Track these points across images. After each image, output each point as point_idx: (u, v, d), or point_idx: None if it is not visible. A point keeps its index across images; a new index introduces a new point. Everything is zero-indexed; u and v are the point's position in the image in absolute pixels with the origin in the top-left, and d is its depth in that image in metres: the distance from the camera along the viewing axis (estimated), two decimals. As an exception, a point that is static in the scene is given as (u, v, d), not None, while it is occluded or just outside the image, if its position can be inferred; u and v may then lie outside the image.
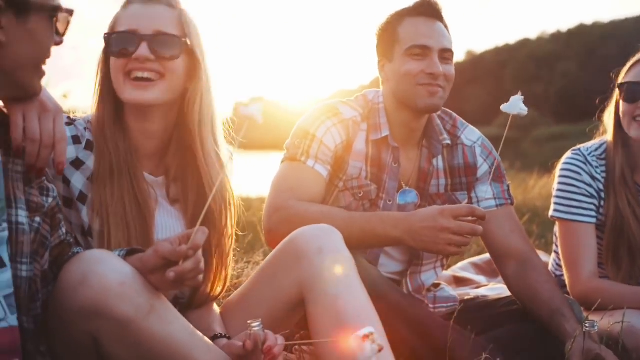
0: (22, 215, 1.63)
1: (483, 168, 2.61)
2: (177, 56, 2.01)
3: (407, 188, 2.55)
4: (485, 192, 2.59)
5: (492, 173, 2.60)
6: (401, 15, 2.48)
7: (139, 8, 2.04)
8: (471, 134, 2.64)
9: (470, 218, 2.15)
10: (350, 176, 2.47)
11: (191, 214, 2.10)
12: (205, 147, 2.06)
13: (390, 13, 2.53)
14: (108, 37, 2.02)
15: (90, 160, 2.00)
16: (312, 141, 2.43)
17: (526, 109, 2.16)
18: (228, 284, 2.24)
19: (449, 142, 2.57)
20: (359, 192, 2.48)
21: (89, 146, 2.01)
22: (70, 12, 1.63)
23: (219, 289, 2.20)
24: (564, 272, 2.67)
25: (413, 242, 2.19)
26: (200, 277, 1.69)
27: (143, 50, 1.97)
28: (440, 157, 2.57)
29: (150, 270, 1.68)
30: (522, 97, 2.18)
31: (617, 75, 2.65)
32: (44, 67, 1.61)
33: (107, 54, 2.04)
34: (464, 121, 2.66)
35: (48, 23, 1.57)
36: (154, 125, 2.07)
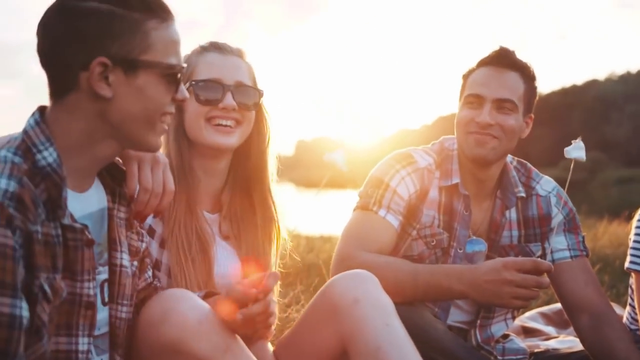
0: (126, 259, 1.72)
1: (557, 218, 2.57)
2: (254, 107, 2.17)
3: (475, 237, 2.52)
4: (560, 242, 2.54)
5: (566, 224, 2.55)
6: (478, 65, 2.49)
7: (218, 58, 2.15)
8: (546, 184, 2.61)
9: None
10: (424, 224, 2.47)
11: (244, 250, 2.20)
12: (265, 187, 2.22)
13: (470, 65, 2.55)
14: (195, 84, 2.10)
15: None
16: (386, 190, 2.44)
17: (584, 156, 2.17)
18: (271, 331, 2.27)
19: (523, 194, 2.55)
20: (431, 241, 2.47)
21: None
22: (179, 69, 1.65)
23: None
24: (640, 327, 2.58)
25: (477, 295, 2.18)
26: (273, 319, 1.74)
27: (229, 100, 2.10)
28: (513, 209, 2.54)
29: (223, 312, 1.73)
30: (582, 144, 2.15)
31: None
32: (162, 124, 1.65)
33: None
34: (538, 172, 2.64)
35: (159, 79, 1.60)
36: (220, 165, 2.19)
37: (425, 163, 2.50)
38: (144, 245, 1.85)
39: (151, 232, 2.07)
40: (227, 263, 2.16)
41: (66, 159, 1.55)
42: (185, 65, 1.68)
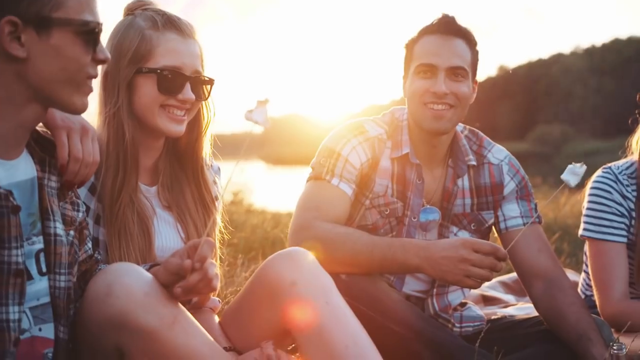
0: (59, 228, 1.70)
1: (510, 186, 2.59)
2: (207, 97, 2.15)
3: (429, 206, 2.53)
4: (512, 210, 2.56)
5: (519, 191, 2.58)
6: (421, 33, 2.47)
7: (179, 42, 2.06)
8: (498, 153, 2.62)
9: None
10: (377, 194, 2.47)
11: (182, 218, 2.18)
12: (198, 164, 2.20)
13: (417, 31, 2.52)
14: (155, 70, 2.02)
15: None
16: (337, 160, 2.43)
17: (576, 182, 2.17)
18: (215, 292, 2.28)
19: (474, 162, 2.56)
20: (385, 210, 2.48)
21: None
22: (96, 25, 1.60)
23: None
24: (594, 292, 2.63)
25: (432, 270, 2.19)
26: (216, 283, 1.74)
27: (188, 93, 2.07)
28: (465, 177, 2.56)
29: (164, 285, 1.74)
30: (583, 167, 2.16)
31: None
32: (86, 85, 1.61)
33: (134, 77, 2.04)
34: (490, 140, 2.64)
35: (75, 38, 1.55)
36: (159, 142, 2.17)
37: (376, 132, 2.50)
38: (80, 215, 1.82)
39: (86, 209, 2.01)
40: (168, 235, 2.15)
41: None
42: (101, 24, 1.61)
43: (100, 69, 1.99)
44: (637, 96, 2.62)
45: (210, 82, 2.14)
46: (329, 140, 2.51)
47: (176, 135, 2.10)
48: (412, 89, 2.44)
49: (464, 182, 2.56)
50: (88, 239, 1.89)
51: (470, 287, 2.26)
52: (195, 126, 2.18)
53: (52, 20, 1.51)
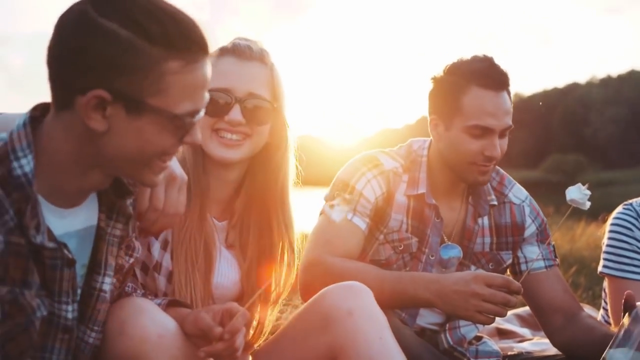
0: (107, 283, 1.63)
1: (531, 228, 2.56)
2: (267, 120, 2.05)
3: (450, 243, 2.49)
4: (533, 252, 2.54)
5: (539, 234, 2.56)
6: (468, 81, 2.32)
7: (234, 64, 2.02)
8: (519, 193, 2.58)
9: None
10: (391, 229, 2.43)
11: (248, 262, 2.12)
12: (285, 201, 2.13)
13: (454, 68, 2.38)
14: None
15: None
16: (352, 193, 2.39)
17: (587, 203, 2.10)
18: (265, 333, 2.24)
19: (495, 203, 2.52)
20: (399, 245, 2.44)
21: None
22: (190, 124, 1.48)
23: (255, 339, 2.21)
24: (614, 329, 2.58)
25: (443, 305, 2.13)
26: (238, 354, 1.69)
27: (236, 114, 1.99)
28: (486, 216, 2.52)
29: (189, 334, 1.70)
30: (587, 191, 2.09)
31: None
32: (162, 163, 1.50)
33: None
34: (511, 178, 2.61)
35: (163, 126, 1.43)
36: (231, 175, 2.10)
37: (391, 166, 2.45)
38: (131, 260, 1.75)
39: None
40: (228, 274, 2.11)
41: (50, 175, 1.44)
42: (202, 110, 1.51)
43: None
44: None
45: (271, 104, 2.03)
46: (343, 173, 2.47)
47: (229, 162, 2.02)
48: (462, 148, 2.33)
49: (484, 220, 2.52)
50: (130, 279, 1.84)
51: (482, 323, 2.19)
52: (272, 153, 2.09)
53: (146, 105, 1.39)
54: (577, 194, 2.07)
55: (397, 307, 2.38)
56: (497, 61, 2.37)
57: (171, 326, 1.68)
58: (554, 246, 2.59)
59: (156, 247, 2.00)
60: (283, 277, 2.19)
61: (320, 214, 2.46)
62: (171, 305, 1.82)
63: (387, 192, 2.43)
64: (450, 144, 2.37)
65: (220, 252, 2.10)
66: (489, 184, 2.53)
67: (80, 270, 1.57)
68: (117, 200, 1.62)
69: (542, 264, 2.52)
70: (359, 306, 1.88)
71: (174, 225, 1.76)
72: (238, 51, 2.03)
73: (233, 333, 1.63)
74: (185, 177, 1.78)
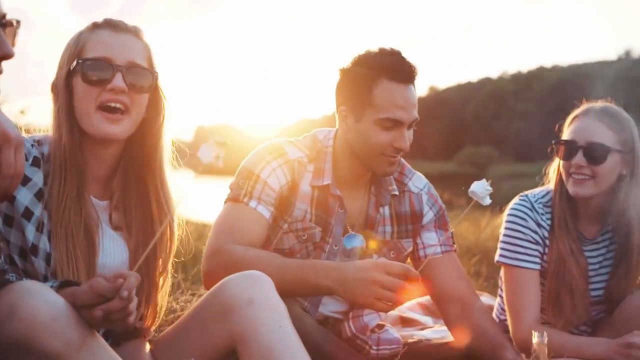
0: None
1: (428, 215, 2.62)
2: (147, 90, 2.04)
3: (353, 233, 2.53)
4: (431, 238, 2.60)
5: (437, 220, 2.62)
6: (379, 74, 2.35)
7: (110, 35, 2.01)
8: (418, 182, 2.64)
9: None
10: (295, 218, 2.45)
11: (134, 242, 2.09)
12: (163, 177, 2.11)
13: (363, 60, 2.40)
14: (82, 63, 1.97)
15: (37, 177, 1.96)
16: (256, 182, 2.40)
17: (489, 200, 2.13)
18: (159, 318, 2.24)
19: (396, 193, 2.57)
20: (303, 235, 2.46)
21: (35, 163, 1.97)
22: (17, 23, 1.55)
23: (150, 322, 2.20)
24: (508, 316, 2.68)
25: (343, 292, 2.16)
26: (131, 318, 1.67)
27: (119, 81, 1.97)
28: (387, 206, 2.57)
29: (83, 305, 1.66)
30: (489, 188, 2.13)
31: (560, 130, 2.70)
32: None
33: (70, 78, 2.00)
34: (411, 168, 2.67)
35: None
36: (108, 151, 2.06)
37: (296, 155, 2.47)
38: None
39: (27, 214, 1.94)
40: (114, 254, 2.07)
41: None
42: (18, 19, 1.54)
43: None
44: (556, 127, 2.71)
45: (150, 73, 2.04)
46: (247, 161, 2.47)
47: (114, 138, 2.00)
48: (373, 140, 2.37)
49: (385, 210, 2.56)
50: (2, 254, 1.79)
51: (381, 311, 2.24)
52: (148, 128, 2.08)
53: None
54: (480, 188, 2.12)
55: (300, 295, 2.39)
56: (404, 54, 2.41)
57: (65, 308, 1.63)
58: (452, 233, 2.65)
59: (30, 229, 1.94)
60: (167, 250, 2.18)
61: (225, 201, 2.45)
62: (63, 286, 1.76)
63: (292, 182, 2.44)
64: (360, 135, 2.40)
65: (103, 232, 2.06)
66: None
67: None
68: None
69: (438, 249, 2.59)
70: (259, 295, 1.89)
71: (15, 188, 1.69)
72: (113, 24, 2.04)
73: (129, 289, 1.61)
74: (22, 137, 1.71)
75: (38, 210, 1.95)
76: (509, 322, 2.67)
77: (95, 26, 2.02)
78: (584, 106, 2.68)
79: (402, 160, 2.64)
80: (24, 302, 1.59)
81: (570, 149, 2.60)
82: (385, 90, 2.35)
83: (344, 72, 2.45)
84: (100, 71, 1.96)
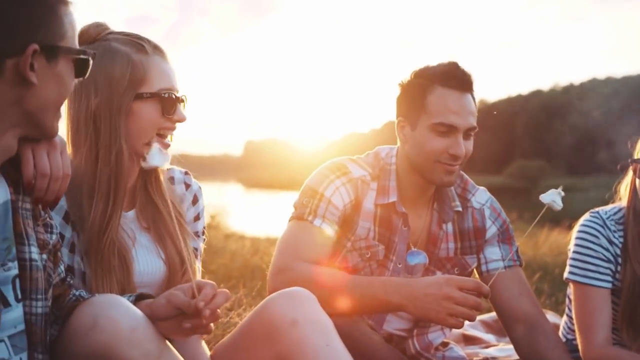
0: (35, 252, 1.65)
1: (491, 230, 2.59)
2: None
3: (416, 250, 2.51)
4: (494, 253, 2.57)
5: (500, 235, 2.59)
6: (432, 82, 2.39)
7: (164, 64, 2.06)
8: (480, 197, 2.62)
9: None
10: (359, 236, 2.44)
11: (161, 238, 2.13)
12: (159, 182, 2.15)
13: (420, 72, 2.44)
14: (158, 94, 2.00)
15: (62, 200, 1.99)
16: (320, 200, 2.40)
17: (561, 204, 2.16)
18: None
19: (460, 209, 2.55)
20: (366, 253, 2.45)
21: None
22: (92, 55, 1.67)
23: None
24: (577, 336, 2.62)
25: (414, 309, 2.14)
26: (212, 327, 1.71)
27: (181, 113, 2.06)
28: (450, 222, 2.55)
29: (161, 318, 1.71)
30: (562, 192, 2.15)
31: (634, 147, 2.63)
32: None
33: (131, 101, 2.00)
34: (474, 184, 2.64)
35: (72, 65, 1.62)
36: (139, 166, 2.09)
37: (359, 174, 2.47)
38: (54, 237, 1.77)
39: (60, 237, 1.94)
40: (147, 260, 2.11)
41: None
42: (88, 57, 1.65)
43: (84, 96, 2.03)
44: (629, 144, 2.64)
45: (184, 99, 2.11)
46: (311, 180, 2.48)
47: (164, 167, 2.01)
48: (427, 146, 2.38)
49: (448, 226, 2.55)
50: (61, 261, 1.84)
51: (453, 327, 2.20)
52: None
53: (58, 48, 1.56)
54: (553, 196, 2.15)
55: (368, 312, 2.39)
56: (461, 65, 2.42)
57: (144, 320, 1.67)
58: (517, 248, 2.61)
59: (64, 251, 1.98)
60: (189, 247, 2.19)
61: (290, 219, 2.46)
62: (140, 299, 1.83)
63: (355, 200, 2.44)
64: (416, 143, 2.41)
65: (136, 241, 2.10)
66: (453, 190, 2.56)
67: (2, 244, 1.59)
68: (19, 175, 1.67)
69: (500, 264, 2.55)
70: (303, 315, 1.87)
71: (64, 190, 1.74)
72: (158, 49, 2.07)
73: (207, 302, 1.65)
74: (64, 140, 1.79)
75: (68, 233, 1.99)
76: (578, 342, 2.60)
77: (146, 51, 2.03)
78: None
79: (466, 176, 2.63)
80: (106, 314, 1.63)
81: None
82: (438, 96, 2.37)
83: (402, 85, 2.48)
84: (169, 102, 2.02)
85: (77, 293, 1.84)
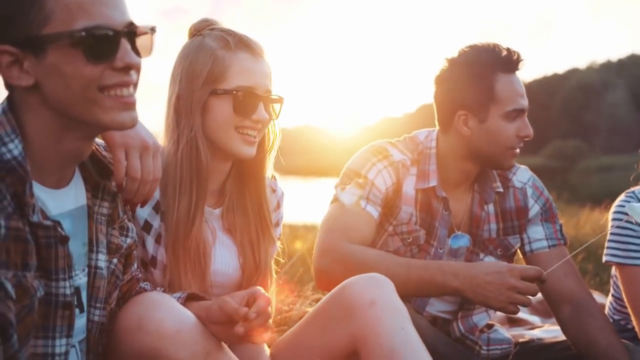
0: (102, 259, 1.65)
1: (534, 209, 2.57)
2: (277, 116, 2.11)
3: (459, 233, 2.50)
4: (538, 232, 2.55)
5: (543, 214, 2.56)
6: (494, 69, 2.39)
7: (251, 61, 2.03)
8: (522, 175, 2.60)
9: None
10: (401, 221, 2.44)
11: (241, 242, 2.14)
12: (259, 187, 2.15)
13: (472, 62, 2.41)
14: (231, 92, 1.99)
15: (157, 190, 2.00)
16: (365, 183, 2.40)
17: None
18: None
19: (501, 190, 2.54)
20: (408, 238, 2.45)
21: None
22: (151, 30, 1.49)
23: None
24: (633, 319, 2.57)
25: (473, 294, 2.16)
26: (268, 334, 1.72)
27: (263, 114, 2.02)
28: (491, 203, 2.54)
29: (214, 322, 1.72)
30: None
31: None
32: (109, 98, 1.45)
33: (209, 97, 2.00)
34: (516, 163, 2.61)
35: (72, 50, 1.39)
36: (227, 165, 2.12)
37: (400, 157, 2.47)
38: (128, 240, 1.77)
39: (147, 226, 2.01)
40: (225, 260, 2.12)
41: (33, 153, 1.46)
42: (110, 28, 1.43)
43: (170, 91, 2.00)
44: None
45: (280, 100, 2.09)
46: (353, 163, 2.48)
47: (248, 157, 2.05)
48: (503, 135, 2.38)
49: (490, 207, 2.53)
50: (135, 261, 1.85)
51: (512, 313, 2.21)
52: (260, 147, 2.12)
53: (41, 38, 1.38)
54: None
55: (424, 296, 2.40)
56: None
57: (190, 320, 1.68)
58: (561, 225, 2.59)
59: (150, 241, 2.01)
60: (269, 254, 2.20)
61: (332, 202, 2.46)
62: (190, 299, 1.83)
63: (397, 183, 2.44)
64: (489, 134, 2.40)
65: (217, 240, 2.11)
66: (494, 171, 2.54)
67: (82, 248, 1.59)
68: (101, 181, 1.66)
69: (544, 243, 2.54)
70: (381, 297, 1.89)
71: (153, 193, 1.77)
72: (249, 46, 2.03)
73: (260, 313, 1.67)
74: (158, 144, 1.79)
75: (157, 223, 2.02)
76: (635, 324, 2.56)
77: (233, 47, 2.02)
78: None
79: None
80: (151, 315, 1.65)
81: None
82: (505, 83, 2.38)
83: (450, 79, 2.44)
84: (246, 101, 2.00)
85: (142, 285, 1.86)
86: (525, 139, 2.42)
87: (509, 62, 2.40)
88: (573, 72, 58.63)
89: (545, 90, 54.45)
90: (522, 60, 2.42)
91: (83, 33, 1.38)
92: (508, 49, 2.41)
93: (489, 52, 2.40)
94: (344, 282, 1.97)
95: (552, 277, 2.47)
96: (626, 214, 2.54)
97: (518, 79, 2.42)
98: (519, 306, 2.16)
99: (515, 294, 2.11)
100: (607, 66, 57.66)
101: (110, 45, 1.42)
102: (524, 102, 2.40)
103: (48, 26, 1.37)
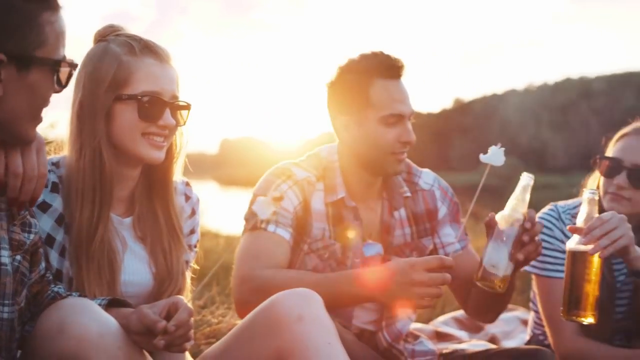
0: (5, 256, 1.63)
1: (442, 210, 2.64)
2: (185, 122, 2.10)
3: (371, 241, 2.54)
4: (449, 235, 2.62)
5: (450, 215, 2.64)
6: (370, 76, 2.41)
7: (156, 66, 2.01)
8: (427, 177, 2.66)
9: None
10: (314, 238, 2.46)
11: (153, 251, 2.12)
12: (168, 194, 2.14)
13: (350, 68, 2.44)
14: (136, 97, 1.96)
15: (57, 202, 1.98)
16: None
17: (503, 159, 2.18)
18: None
19: (409, 194, 2.59)
20: (324, 253, 2.46)
21: (54, 188, 1.99)
22: (73, 66, 1.63)
23: None
24: (547, 330, 2.65)
25: (384, 298, 2.18)
26: (188, 345, 1.72)
27: (169, 119, 2.01)
28: (402, 208, 2.58)
29: (135, 332, 1.71)
30: (502, 148, 2.17)
31: (606, 144, 2.68)
32: (41, 116, 1.62)
33: (113, 103, 1.98)
34: (417, 166, 2.68)
35: (49, 75, 1.57)
36: (136, 172, 2.10)
37: (303, 175, 2.48)
38: (32, 236, 1.75)
39: (50, 240, 1.96)
40: (136, 269, 2.10)
41: None
42: (75, 63, 1.64)
43: (73, 98, 1.99)
44: (603, 139, 2.68)
45: (188, 107, 2.08)
46: (258, 188, 2.48)
47: (156, 162, 2.03)
48: (381, 139, 2.40)
49: (401, 212, 2.58)
50: (42, 259, 1.82)
51: (424, 307, 2.23)
52: (168, 153, 2.10)
53: (33, 58, 1.52)
54: (494, 156, 2.19)
55: (339, 307, 2.40)
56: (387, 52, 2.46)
57: (112, 325, 1.67)
58: (464, 225, 2.61)
59: (53, 255, 1.97)
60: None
61: (243, 232, 2.46)
62: (112, 305, 1.81)
63: (304, 201, 2.45)
64: (367, 138, 2.43)
65: (127, 249, 2.09)
66: (400, 177, 2.59)
67: None
68: None
69: (457, 246, 2.61)
70: (309, 312, 1.90)
71: (41, 190, 1.73)
72: (155, 51, 2.03)
73: (180, 325, 1.67)
74: (42, 139, 1.76)
75: (60, 236, 1.97)
76: (548, 336, 2.64)
77: (138, 52, 2.01)
78: (635, 125, 2.63)
79: (408, 160, 2.64)
80: (73, 319, 1.63)
81: (613, 167, 2.56)
82: (380, 88, 2.40)
83: (334, 85, 2.49)
84: (152, 107, 1.98)
85: (55, 289, 1.83)
86: (408, 145, 2.42)
87: (389, 68, 2.41)
88: (511, 93, 59.97)
89: (484, 109, 55.62)
90: (403, 66, 2.43)
91: (63, 65, 1.60)
92: (389, 57, 2.43)
93: (369, 59, 2.43)
94: (272, 297, 1.97)
95: (469, 272, 2.46)
96: (545, 226, 2.62)
97: (398, 85, 2.42)
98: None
99: (424, 288, 2.09)
100: (544, 88, 59.19)
101: (69, 77, 1.64)
102: (403, 108, 2.40)
103: (41, 50, 1.53)
